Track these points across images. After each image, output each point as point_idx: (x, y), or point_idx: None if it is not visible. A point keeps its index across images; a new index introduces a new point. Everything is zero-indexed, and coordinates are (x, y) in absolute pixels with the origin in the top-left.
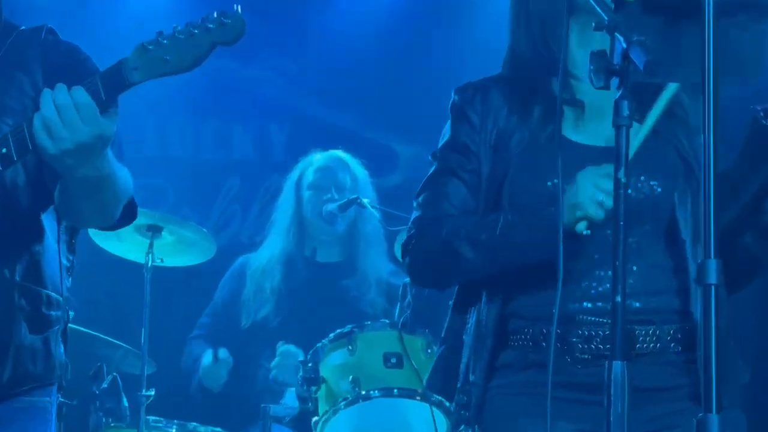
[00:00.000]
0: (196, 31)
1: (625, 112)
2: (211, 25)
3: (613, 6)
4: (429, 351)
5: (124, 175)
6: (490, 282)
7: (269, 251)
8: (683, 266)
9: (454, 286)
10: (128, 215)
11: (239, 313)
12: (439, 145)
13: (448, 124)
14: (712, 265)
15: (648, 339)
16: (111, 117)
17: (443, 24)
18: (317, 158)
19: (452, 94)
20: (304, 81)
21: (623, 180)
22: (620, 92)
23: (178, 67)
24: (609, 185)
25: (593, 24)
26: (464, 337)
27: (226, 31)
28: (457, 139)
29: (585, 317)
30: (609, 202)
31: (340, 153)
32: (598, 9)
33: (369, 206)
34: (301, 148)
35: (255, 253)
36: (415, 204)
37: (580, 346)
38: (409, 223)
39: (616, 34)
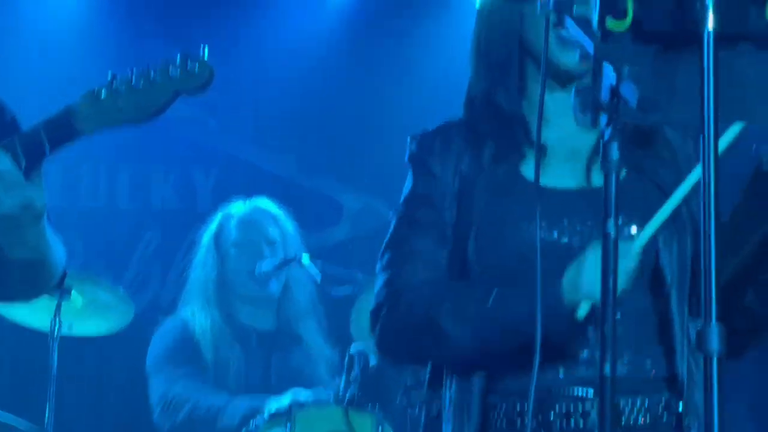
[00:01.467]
0: (156, 79)
1: (615, 155)
2: (174, 72)
3: (599, 35)
4: (380, 429)
5: (59, 250)
6: (472, 359)
7: (205, 317)
8: (668, 321)
9: (444, 366)
10: (56, 286)
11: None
12: (401, 198)
13: (408, 175)
14: (715, 331)
15: (636, 411)
16: (37, 183)
17: (391, 63)
18: (238, 209)
19: (409, 142)
20: (234, 121)
21: (613, 234)
22: (609, 132)
23: (134, 118)
24: (622, 264)
25: (577, 55)
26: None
27: (191, 78)
28: (418, 191)
29: (563, 389)
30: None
31: (264, 202)
32: (584, 38)
33: (310, 265)
34: (230, 197)
35: (181, 315)
36: (379, 266)
37: (559, 423)
38: (377, 288)
39: (605, 66)
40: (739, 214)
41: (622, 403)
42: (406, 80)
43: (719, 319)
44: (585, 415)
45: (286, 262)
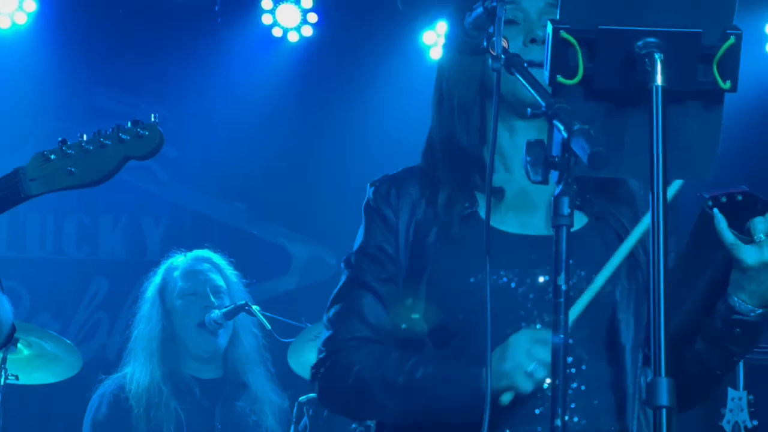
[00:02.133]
0: (107, 143)
1: (566, 210)
2: (125, 137)
3: (550, 90)
4: None
5: (4, 306)
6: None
7: (144, 375)
8: (621, 377)
9: (376, 421)
10: (4, 342)
11: None
12: (354, 248)
13: (362, 224)
14: (664, 384)
15: None
16: None
17: (341, 112)
18: (180, 261)
19: (367, 188)
20: (183, 169)
21: (564, 287)
22: (560, 188)
23: (84, 181)
24: (543, 354)
25: (528, 110)
26: None
27: (142, 144)
28: (372, 242)
29: None
30: (540, 374)
31: (206, 252)
32: (534, 93)
33: (259, 314)
34: (179, 245)
35: (120, 375)
36: (325, 318)
37: None
38: (319, 343)
39: (556, 122)
40: (684, 260)
41: None
42: (356, 129)
43: (671, 368)
44: None
45: (237, 310)
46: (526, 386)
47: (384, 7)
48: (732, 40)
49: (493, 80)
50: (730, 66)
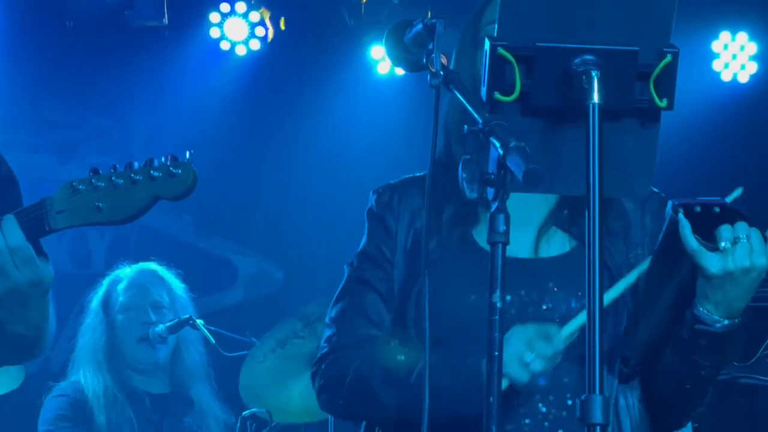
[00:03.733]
0: (138, 178)
1: (501, 227)
2: (156, 174)
3: (488, 106)
4: None
5: (52, 321)
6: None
7: (98, 381)
8: None
9: (372, 422)
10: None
11: None
12: (357, 251)
13: (365, 229)
14: (598, 402)
15: None
16: (45, 259)
17: (288, 127)
18: (126, 274)
19: (370, 195)
20: None
21: (499, 305)
22: (496, 205)
23: (111, 219)
24: (544, 348)
25: (465, 128)
26: None
27: (173, 183)
28: (372, 246)
29: None
30: (537, 366)
31: (151, 265)
32: (471, 110)
33: (203, 328)
34: (125, 258)
35: (73, 380)
36: (327, 318)
37: None
38: (322, 341)
39: (492, 139)
40: (653, 269)
41: None
42: (304, 143)
43: (645, 381)
44: None
45: (181, 324)
46: (522, 376)
47: (332, 22)
48: (669, 58)
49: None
50: (666, 84)
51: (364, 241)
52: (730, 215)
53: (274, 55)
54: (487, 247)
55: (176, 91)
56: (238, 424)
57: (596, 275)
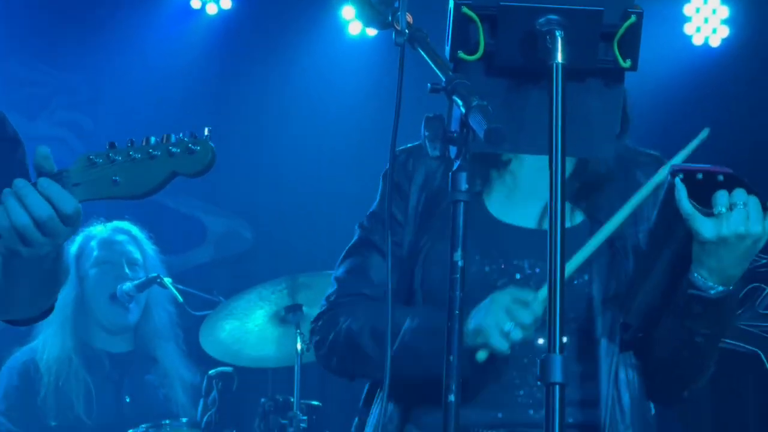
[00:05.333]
0: (157, 153)
1: (463, 185)
2: (175, 150)
3: (452, 65)
4: None
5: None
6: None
7: (55, 344)
8: (594, 371)
9: (367, 379)
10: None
11: (40, 415)
12: (369, 211)
13: (379, 190)
14: (557, 361)
15: None
16: None
17: (260, 85)
18: (99, 230)
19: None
20: (99, 139)
21: (460, 263)
22: (458, 163)
23: (128, 193)
24: (524, 316)
25: (428, 86)
26: None
27: (192, 160)
28: (383, 209)
29: (485, 430)
30: (516, 335)
31: (125, 224)
32: (435, 68)
33: (171, 286)
34: (93, 215)
35: (32, 345)
36: (333, 276)
37: None
38: (323, 299)
39: (455, 97)
40: (651, 234)
41: None
42: (274, 102)
43: (644, 348)
44: None
45: (148, 282)
46: (501, 345)
47: None
48: (633, 18)
49: None
50: (630, 44)
51: (375, 203)
52: (733, 184)
53: (246, 14)
54: (501, 216)
55: (146, 48)
56: (204, 383)
57: (558, 237)
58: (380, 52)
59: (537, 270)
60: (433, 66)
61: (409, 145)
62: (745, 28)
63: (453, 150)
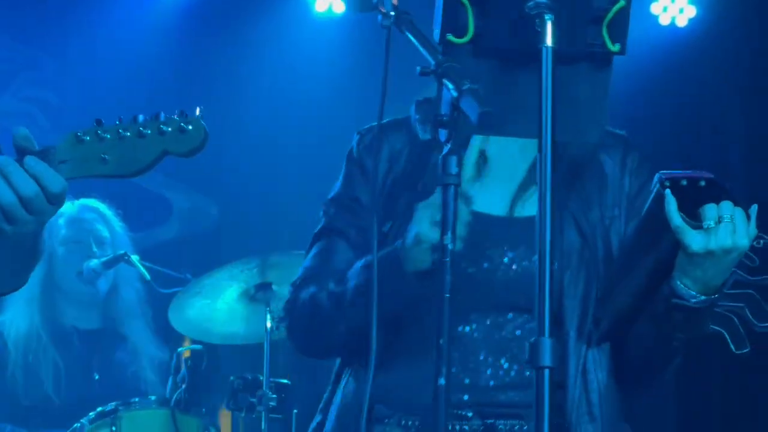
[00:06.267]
0: (147, 132)
1: (453, 169)
2: (165, 128)
3: (440, 48)
4: None
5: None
6: (356, 349)
7: (23, 320)
8: (563, 363)
9: (332, 352)
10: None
11: (9, 393)
12: (330, 194)
13: (342, 172)
14: (547, 345)
15: None
16: None
17: (223, 61)
18: (67, 208)
19: (353, 137)
20: (64, 115)
21: (450, 246)
22: (448, 147)
23: (116, 172)
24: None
25: (418, 69)
26: (327, 415)
27: (183, 140)
28: (348, 191)
29: (453, 410)
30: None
31: (93, 202)
32: (424, 51)
33: (139, 264)
34: None
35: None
36: (305, 260)
37: None
38: (296, 279)
39: (445, 81)
40: (634, 239)
41: (501, 426)
42: (237, 79)
43: (615, 348)
44: None
45: (116, 260)
46: (431, 233)
47: None
48: (622, 2)
49: None
50: (619, 28)
51: (338, 185)
52: (715, 189)
53: None
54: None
55: (112, 25)
56: (174, 360)
57: (547, 223)
58: (346, 30)
59: (505, 260)
60: (421, 49)
61: (373, 124)
62: (712, 8)
63: (443, 133)
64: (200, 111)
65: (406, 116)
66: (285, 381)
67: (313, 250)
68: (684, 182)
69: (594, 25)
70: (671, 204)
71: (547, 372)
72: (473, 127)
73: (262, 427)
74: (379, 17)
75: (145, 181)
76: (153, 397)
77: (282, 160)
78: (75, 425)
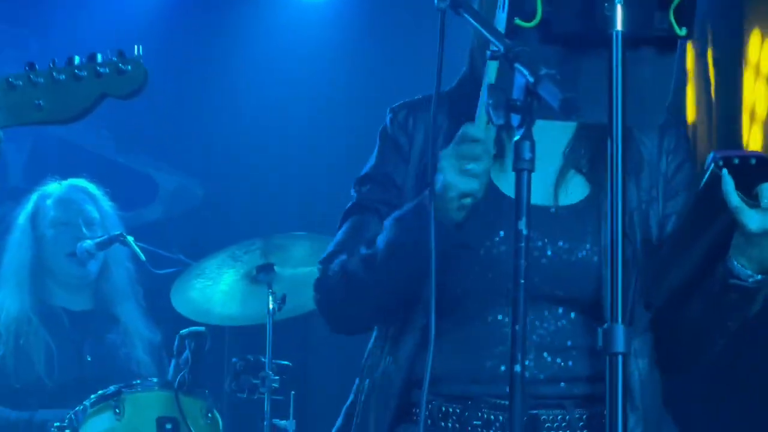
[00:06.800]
0: (83, 74)
1: (527, 154)
2: (103, 70)
3: (503, 32)
4: (209, 416)
5: None
6: (392, 317)
7: (13, 302)
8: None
9: (363, 325)
10: None
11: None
12: (363, 171)
13: (375, 149)
14: (620, 331)
15: (556, 426)
16: None
17: (207, 42)
18: (55, 189)
19: (386, 114)
20: None
21: (525, 232)
22: (521, 131)
23: (52, 118)
24: (470, 149)
25: (487, 53)
26: (358, 396)
27: (123, 81)
28: (381, 168)
29: (489, 398)
30: (477, 168)
31: (81, 182)
32: (489, 35)
33: (134, 245)
34: (43, 172)
35: None
36: (337, 234)
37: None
38: (318, 262)
39: (518, 65)
40: (688, 219)
41: (543, 416)
42: (223, 62)
43: (665, 329)
44: (504, 427)
45: (111, 240)
46: (470, 186)
47: None
48: None
49: None
50: (687, 12)
51: (372, 162)
52: (766, 168)
53: None
54: (499, 183)
55: (96, 6)
56: (176, 342)
57: (619, 202)
58: (332, 14)
59: (539, 243)
60: (483, 32)
61: (408, 101)
62: None
63: (516, 118)
64: (139, 50)
65: (446, 90)
66: (286, 363)
67: (344, 227)
68: (736, 161)
69: (660, 9)
70: (729, 184)
71: (620, 358)
72: (553, 112)
73: (265, 408)
74: (435, 0)
75: (132, 161)
76: (155, 379)
77: (268, 141)
78: (77, 407)
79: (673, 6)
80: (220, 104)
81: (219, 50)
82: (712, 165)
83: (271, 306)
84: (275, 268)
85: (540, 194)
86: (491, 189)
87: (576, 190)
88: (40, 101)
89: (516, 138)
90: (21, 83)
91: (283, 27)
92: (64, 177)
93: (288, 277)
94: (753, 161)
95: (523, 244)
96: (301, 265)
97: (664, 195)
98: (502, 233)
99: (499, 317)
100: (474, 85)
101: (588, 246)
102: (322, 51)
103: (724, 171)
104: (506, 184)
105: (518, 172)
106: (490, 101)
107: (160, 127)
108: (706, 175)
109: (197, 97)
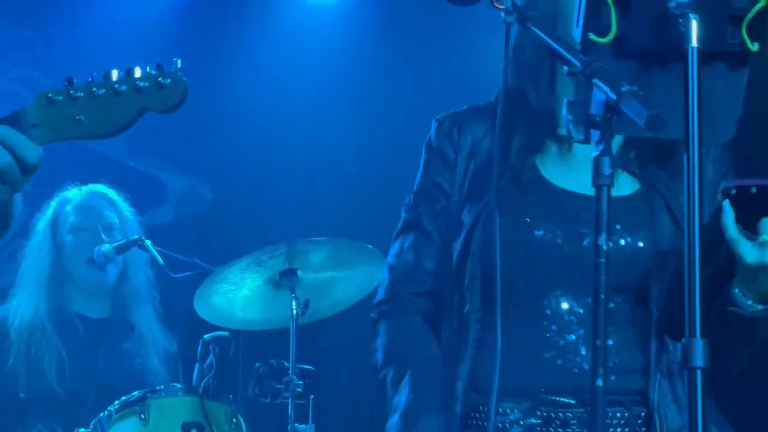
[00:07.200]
0: (122, 89)
1: (606, 170)
2: (142, 84)
3: (579, 48)
4: (234, 421)
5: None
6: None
7: (29, 308)
8: (646, 341)
9: None
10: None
11: (8, 383)
12: (415, 184)
13: (422, 162)
14: (699, 345)
15: (616, 423)
16: None
17: (218, 43)
18: (75, 194)
19: (432, 125)
20: None
21: (604, 247)
22: (601, 148)
23: (92, 133)
24: None
25: (565, 69)
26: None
27: (163, 95)
28: (429, 178)
29: (547, 396)
30: None
31: (101, 188)
32: (563, 52)
33: (152, 249)
34: (53, 176)
35: (4, 307)
36: (389, 252)
37: (539, 429)
38: (383, 277)
39: (597, 81)
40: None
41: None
42: (229, 61)
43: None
44: (565, 425)
45: (129, 245)
46: None
47: None
48: (763, 2)
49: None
50: (759, 28)
51: (419, 176)
52: None
53: None
54: (556, 181)
55: (102, 6)
56: (200, 348)
57: (695, 218)
58: (340, 16)
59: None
60: (559, 49)
61: (453, 111)
62: None
63: (595, 134)
64: (178, 63)
65: (487, 103)
66: (308, 367)
67: (397, 248)
68: (753, 190)
69: (733, 24)
70: (728, 215)
71: (699, 373)
72: (636, 128)
73: (289, 412)
74: (502, 14)
75: (141, 164)
76: (178, 385)
77: (276, 144)
78: (100, 414)
79: (745, 21)
80: (228, 107)
81: (228, 52)
82: (720, 196)
83: (294, 311)
84: (298, 272)
85: (586, 184)
86: (539, 179)
87: (625, 184)
88: (81, 116)
89: (595, 154)
90: (60, 98)
91: (291, 29)
92: (74, 179)
93: (310, 282)
94: (753, 190)
95: (603, 260)
96: (321, 270)
97: (709, 201)
98: (579, 228)
99: (559, 308)
100: (507, 102)
101: (641, 234)
102: (329, 55)
103: (725, 202)
104: (567, 181)
105: (598, 188)
106: (570, 117)
107: (168, 129)
108: (717, 201)
109: (206, 99)
